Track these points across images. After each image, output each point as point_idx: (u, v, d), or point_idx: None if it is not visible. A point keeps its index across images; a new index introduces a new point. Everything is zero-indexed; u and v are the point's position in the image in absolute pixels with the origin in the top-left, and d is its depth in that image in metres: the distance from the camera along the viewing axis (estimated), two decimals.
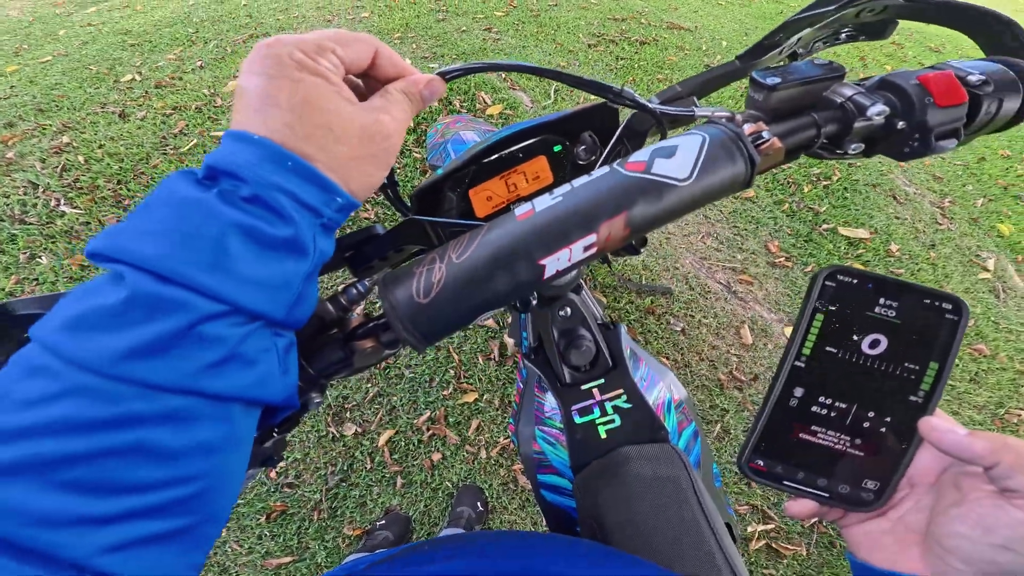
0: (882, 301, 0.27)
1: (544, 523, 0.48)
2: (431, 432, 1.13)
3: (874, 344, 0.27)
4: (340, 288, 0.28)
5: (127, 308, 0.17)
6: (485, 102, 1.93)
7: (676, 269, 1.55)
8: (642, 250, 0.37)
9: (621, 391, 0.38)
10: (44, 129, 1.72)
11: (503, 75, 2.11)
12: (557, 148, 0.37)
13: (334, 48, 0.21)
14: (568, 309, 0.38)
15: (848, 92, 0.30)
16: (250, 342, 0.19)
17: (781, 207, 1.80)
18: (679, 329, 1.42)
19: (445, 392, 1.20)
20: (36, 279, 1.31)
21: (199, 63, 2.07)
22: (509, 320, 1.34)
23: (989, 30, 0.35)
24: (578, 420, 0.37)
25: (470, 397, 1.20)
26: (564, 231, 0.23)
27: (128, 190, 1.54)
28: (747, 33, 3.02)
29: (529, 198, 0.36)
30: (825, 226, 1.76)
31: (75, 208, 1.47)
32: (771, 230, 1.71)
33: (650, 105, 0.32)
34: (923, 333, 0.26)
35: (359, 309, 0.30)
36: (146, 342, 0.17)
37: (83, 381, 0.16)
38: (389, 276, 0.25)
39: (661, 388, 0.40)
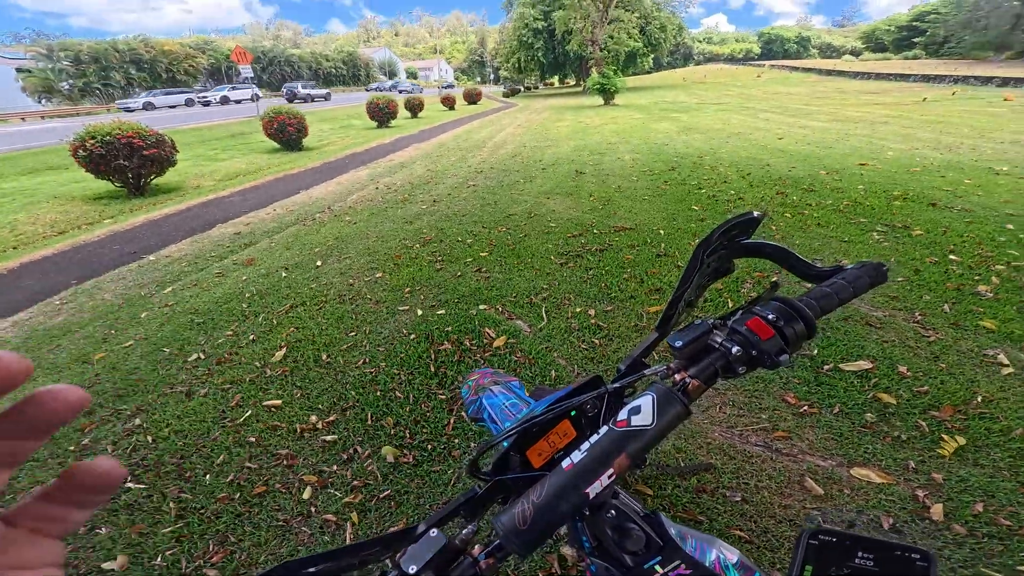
0: (860, 554, 0.32)
1: None
2: None
3: None
4: (460, 531, 0.44)
5: None
6: (490, 336, 2.23)
7: (709, 444, 1.56)
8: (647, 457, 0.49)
9: (678, 562, 0.44)
10: (119, 414, 1.89)
11: (501, 308, 2.51)
12: (572, 412, 0.54)
13: None
14: (613, 511, 0.48)
15: (719, 339, 0.48)
16: None
17: None
18: (738, 499, 1.35)
19: None
20: (92, 547, 1.34)
21: (252, 337, 2.40)
22: (562, 531, 1.29)
23: (787, 264, 0.56)
24: None
25: None
26: (594, 470, 0.39)
27: (190, 463, 1.62)
28: (674, 218, 3.78)
29: (566, 449, 0.53)
30: (826, 367, 1.86)
31: (140, 484, 1.55)
32: (780, 385, 1.80)
33: (615, 386, 0.51)
34: None
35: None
36: None
37: None
38: (500, 515, 0.39)
39: (713, 552, 0.46)
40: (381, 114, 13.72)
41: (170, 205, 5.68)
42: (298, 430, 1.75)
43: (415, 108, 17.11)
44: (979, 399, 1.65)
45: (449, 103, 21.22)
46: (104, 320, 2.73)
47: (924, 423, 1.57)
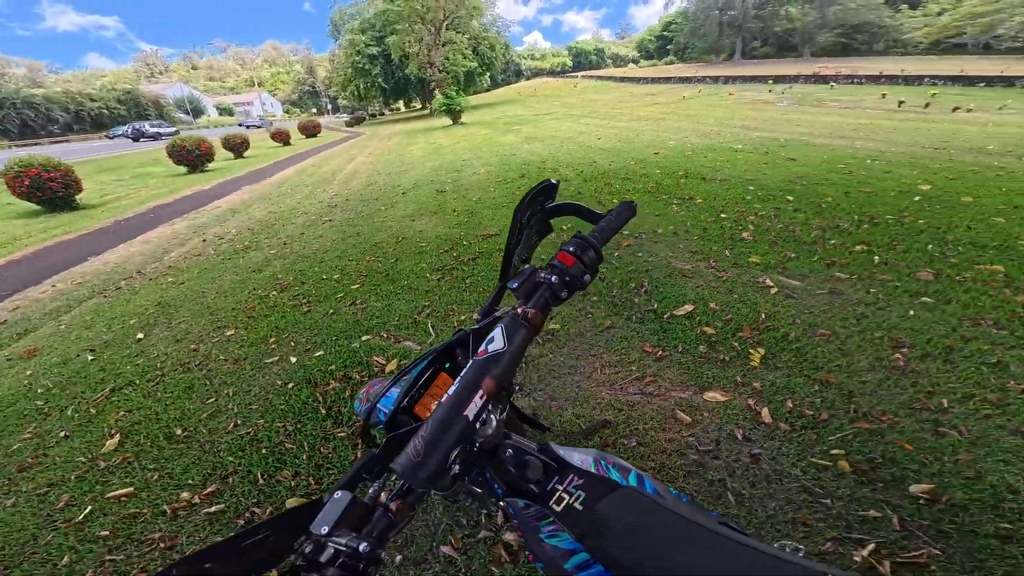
0: None
1: None
2: None
3: None
4: (368, 491, 0.47)
5: None
6: (380, 363, 2.15)
7: (600, 403, 1.78)
8: (549, 427, 0.59)
9: (572, 475, 0.54)
10: None
11: (386, 334, 2.42)
12: (447, 364, 0.62)
13: None
14: (509, 450, 0.56)
15: (543, 275, 0.61)
16: None
17: (631, 320, 2.33)
18: (635, 444, 1.57)
19: None
20: None
21: (63, 433, 1.91)
22: (500, 520, 1.33)
23: (579, 214, 0.74)
24: (559, 508, 0.52)
25: None
26: (467, 395, 0.46)
27: (21, 571, 1.36)
28: None
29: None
30: (666, 316, 2.31)
31: None
32: (638, 338, 2.16)
33: (474, 328, 0.61)
34: None
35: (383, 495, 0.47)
36: None
37: None
38: (398, 458, 0.43)
39: (595, 461, 0.58)
40: (191, 157, 11.65)
41: None
42: (168, 511, 1.47)
43: (238, 147, 15.05)
44: (763, 316, 2.24)
45: (283, 138, 19.31)
46: None
47: (736, 344, 2.05)
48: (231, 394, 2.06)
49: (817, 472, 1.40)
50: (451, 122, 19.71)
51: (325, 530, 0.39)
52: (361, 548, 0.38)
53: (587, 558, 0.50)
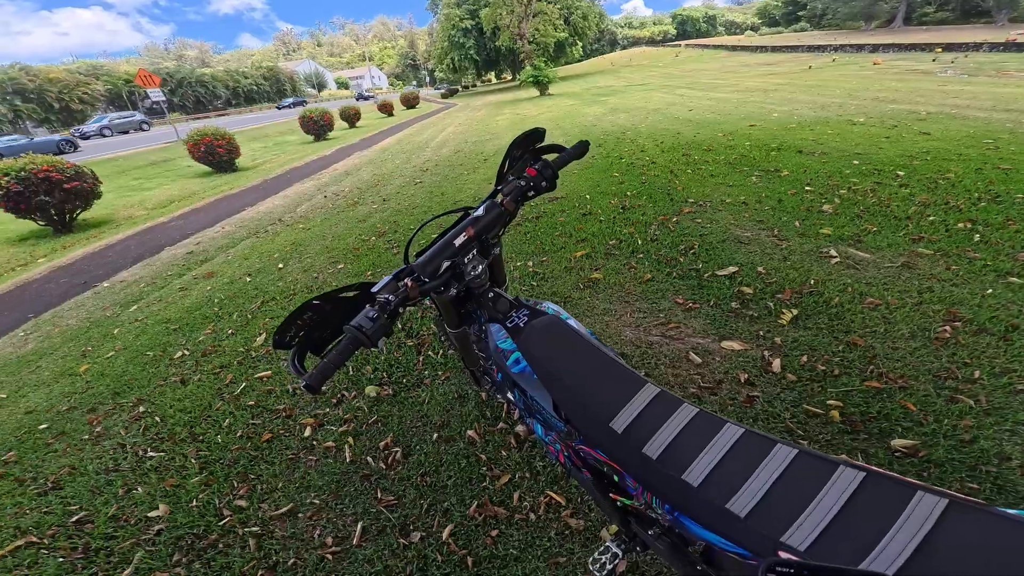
0: None
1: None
2: (483, 515, 1.35)
3: None
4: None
5: None
6: None
7: (622, 339, 2.04)
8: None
9: (524, 308, 0.88)
10: (121, 407, 2.14)
11: None
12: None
13: None
14: (491, 294, 0.93)
15: (518, 181, 0.94)
16: None
17: (671, 276, 2.49)
18: (643, 374, 1.80)
19: (484, 484, 1.45)
20: (134, 503, 1.59)
21: (231, 331, 2.68)
22: (516, 415, 1.68)
23: (556, 150, 1.02)
24: (510, 325, 0.86)
25: (505, 478, 1.45)
26: (456, 234, 0.88)
27: (200, 429, 1.90)
28: (598, 185, 4.28)
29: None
30: (707, 275, 2.42)
31: (159, 452, 1.81)
32: (672, 291, 2.33)
33: (475, 207, 0.94)
34: None
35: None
36: None
37: None
38: (417, 260, 0.81)
39: (542, 304, 0.92)
40: (317, 127, 13.56)
41: (106, 237, 5.57)
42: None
43: (352, 118, 16.94)
44: (811, 282, 2.24)
45: (387, 110, 21.13)
46: (77, 341, 2.86)
47: (771, 304, 2.11)
48: None
49: (806, 418, 1.49)
50: (538, 93, 19.63)
51: (376, 289, 0.76)
52: (391, 298, 0.74)
53: (518, 356, 0.86)
